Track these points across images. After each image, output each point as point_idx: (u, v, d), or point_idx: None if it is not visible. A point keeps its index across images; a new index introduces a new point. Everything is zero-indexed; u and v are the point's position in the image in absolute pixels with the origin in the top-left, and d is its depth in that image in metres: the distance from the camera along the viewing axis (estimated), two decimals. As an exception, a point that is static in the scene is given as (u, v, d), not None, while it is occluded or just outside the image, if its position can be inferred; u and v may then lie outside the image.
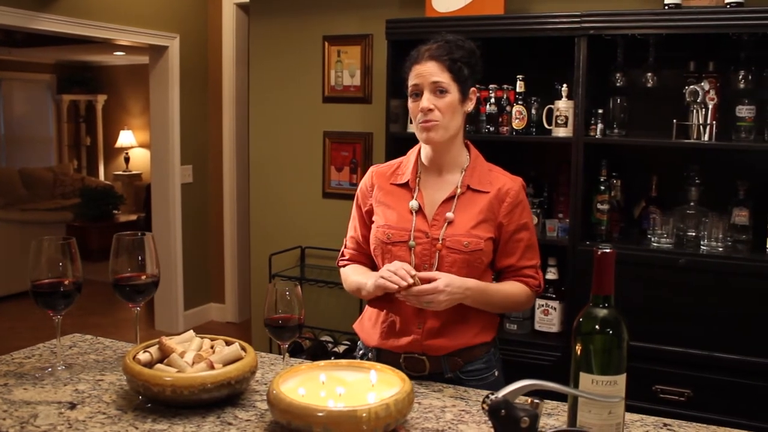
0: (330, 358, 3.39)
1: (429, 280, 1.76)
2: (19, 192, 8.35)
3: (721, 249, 2.84)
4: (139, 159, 9.97)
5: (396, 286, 1.75)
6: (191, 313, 5.67)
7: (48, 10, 4.28)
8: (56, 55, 9.06)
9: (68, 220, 7.96)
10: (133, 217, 8.78)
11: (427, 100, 1.85)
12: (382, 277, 1.78)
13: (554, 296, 3.15)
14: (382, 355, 1.94)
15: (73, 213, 8.12)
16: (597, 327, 1.30)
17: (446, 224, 1.89)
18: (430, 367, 1.90)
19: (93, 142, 10.36)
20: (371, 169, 2.07)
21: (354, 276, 2.03)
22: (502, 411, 1.16)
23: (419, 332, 1.89)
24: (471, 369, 1.93)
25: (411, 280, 1.74)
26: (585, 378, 1.29)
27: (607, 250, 1.28)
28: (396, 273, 1.76)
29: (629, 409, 1.41)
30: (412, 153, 2.03)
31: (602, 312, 1.30)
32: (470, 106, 1.94)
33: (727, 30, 2.77)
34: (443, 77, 1.86)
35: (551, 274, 3.15)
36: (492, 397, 1.17)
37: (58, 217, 7.81)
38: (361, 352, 2.06)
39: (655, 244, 2.94)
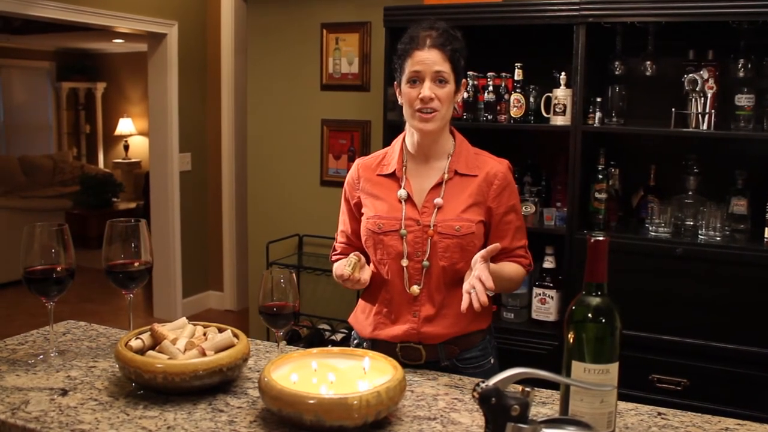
0: (327, 347, 3.39)
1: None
2: (18, 179, 8.35)
3: (719, 238, 2.83)
4: (139, 147, 9.95)
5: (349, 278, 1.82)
6: (189, 300, 5.67)
7: (46, -4, 4.26)
8: (55, 42, 9.04)
9: (67, 207, 7.96)
10: (133, 205, 8.78)
11: (428, 89, 1.84)
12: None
13: (552, 285, 3.14)
14: (377, 346, 1.93)
15: (72, 201, 8.11)
16: (590, 315, 1.29)
17: (436, 210, 1.89)
18: (426, 356, 1.90)
19: (92, 129, 10.34)
20: (356, 161, 2.06)
21: (336, 267, 2.04)
22: (493, 399, 1.15)
23: (415, 320, 1.89)
24: (467, 357, 1.93)
25: (349, 270, 1.81)
26: (577, 366, 1.28)
27: (600, 238, 1.28)
28: (342, 277, 1.85)
29: (625, 398, 1.41)
30: (396, 143, 2.03)
31: (595, 300, 1.29)
32: (460, 97, 1.96)
33: (727, 18, 2.75)
34: (444, 67, 1.85)
35: (549, 263, 3.15)
36: (483, 385, 1.16)
37: (57, 205, 7.81)
38: (356, 342, 2.05)
39: (652, 234, 2.93)
